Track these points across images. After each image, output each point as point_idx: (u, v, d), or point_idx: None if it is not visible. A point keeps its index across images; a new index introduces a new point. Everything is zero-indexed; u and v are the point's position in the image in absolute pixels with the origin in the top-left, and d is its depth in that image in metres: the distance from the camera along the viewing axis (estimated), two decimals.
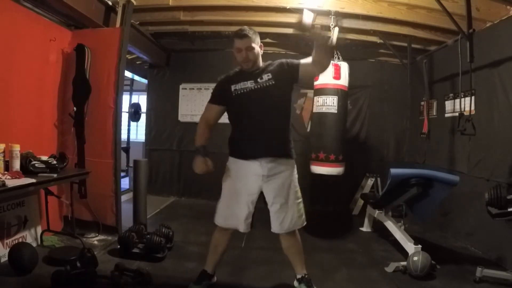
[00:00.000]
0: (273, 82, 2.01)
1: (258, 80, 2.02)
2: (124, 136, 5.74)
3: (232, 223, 2.10)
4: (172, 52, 5.11)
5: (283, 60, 2.09)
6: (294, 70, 2.02)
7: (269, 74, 2.03)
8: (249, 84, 2.03)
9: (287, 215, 2.04)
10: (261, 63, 2.10)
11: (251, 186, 2.05)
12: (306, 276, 2.18)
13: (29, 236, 2.73)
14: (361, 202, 4.37)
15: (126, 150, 5.87)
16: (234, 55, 2.05)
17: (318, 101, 3.41)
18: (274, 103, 2.03)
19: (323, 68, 2.02)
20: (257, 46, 2.03)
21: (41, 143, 2.93)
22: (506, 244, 2.80)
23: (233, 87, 2.05)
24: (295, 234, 2.14)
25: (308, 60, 1.98)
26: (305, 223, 2.14)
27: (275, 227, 2.07)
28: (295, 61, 2.05)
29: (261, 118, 2.01)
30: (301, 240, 2.19)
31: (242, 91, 2.03)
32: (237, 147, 2.13)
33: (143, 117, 5.84)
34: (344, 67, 3.36)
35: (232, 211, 2.09)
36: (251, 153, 2.04)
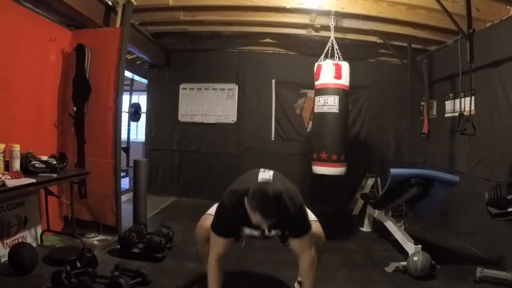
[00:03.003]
0: (279, 235, 1.93)
1: (266, 233, 1.85)
2: (124, 136, 5.73)
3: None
4: (172, 52, 5.11)
5: (296, 212, 1.78)
6: (291, 233, 1.86)
7: (278, 230, 1.87)
8: (256, 233, 1.88)
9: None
10: None
11: None
12: None
13: (29, 236, 2.73)
14: (361, 202, 4.37)
15: (126, 150, 5.86)
16: (246, 206, 1.67)
17: (319, 101, 3.40)
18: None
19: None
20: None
21: (41, 143, 2.92)
22: (506, 244, 2.80)
23: (242, 228, 1.88)
24: (311, 249, 1.89)
25: (305, 247, 1.83)
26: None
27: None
28: (299, 228, 1.83)
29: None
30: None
31: (248, 233, 1.90)
32: None
33: (143, 117, 5.84)
34: (345, 66, 3.35)
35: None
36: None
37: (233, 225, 1.86)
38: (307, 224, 1.85)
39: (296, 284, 2.22)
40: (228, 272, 2.47)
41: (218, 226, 1.86)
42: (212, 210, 2.09)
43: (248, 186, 1.71)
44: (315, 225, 2.00)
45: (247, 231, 1.87)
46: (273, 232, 1.88)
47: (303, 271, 1.89)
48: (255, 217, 1.64)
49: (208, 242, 1.96)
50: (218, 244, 1.85)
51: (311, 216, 2.03)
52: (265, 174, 1.87)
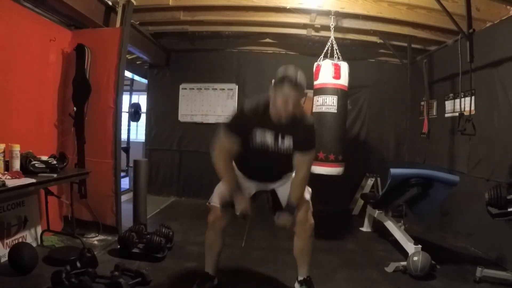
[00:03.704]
0: (290, 150, 1.96)
1: (279, 139, 1.93)
2: (124, 136, 5.73)
3: (228, 201, 2.00)
4: (172, 52, 5.11)
5: (308, 127, 1.95)
6: (296, 145, 1.95)
7: (291, 137, 1.93)
8: (269, 138, 1.93)
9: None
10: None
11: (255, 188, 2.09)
12: (308, 278, 2.16)
13: (29, 236, 2.73)
14: (361, 202, 4.37)
15: (126, 150, 5.87)
16: (271, 94, 1.81)
17: (318, 100, 3.40)
18: (285, 157, 1.98)
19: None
20: (302, 100, 1.85)
21: (41, 143, 2.92)
22: (506, 244, 2.80)
23: (254, 130, 1.91)
24: (311, 236, 2.11)
25: (304, 163, 1.98)
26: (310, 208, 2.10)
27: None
28: (305, 144, 1.95)
29: (271, 163, 2.01)
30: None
31: (260, 139, 1.93)
32: (243, 168, 2.13)
33: (143, 117, 5.84)
34: (344, 66, 3.35)
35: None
36: (256, 179, 2.11)
37: (247, 125, 1.90)
38: (314, 143, 2.00)
39: (296, 284, 2.21)
40: (228, 272, 2.48)
41: (230, 126, 1.91)
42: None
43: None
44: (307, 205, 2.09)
45: (260, 133, 1.91)
46: (286, 141, 1.93)
47: (295, 183, 2.00)
48: (281, 91, 1.75)
49: (221, 232, 2.09)
50: (225, 140, 1.91)
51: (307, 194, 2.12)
52: None
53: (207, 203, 2.15)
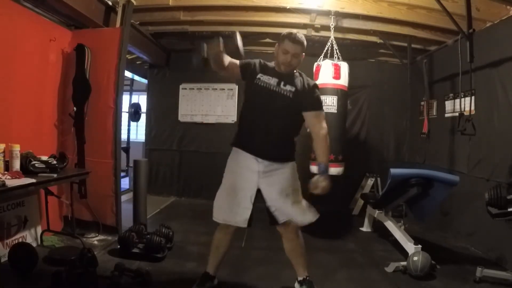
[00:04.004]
0: (291, 96, 2.01)
1: (281, 85, 2.03)
2: (124, 136, 5.73)
3: (231, 218, 2.05)
4: (172, 52, 5.11)
5: (311, 86, 2.07)
6: (305, 105, 2.04)
7: (293, 87, 2.02)
8: (272, 81, 2.04)
9: (285, 211, 2.03)
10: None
11: (249, 181, 2.03)
12: (307, 278, 2.16)
13: (29, 236, 2.73)
14: (361, 202, 4.37)
15: (126, 150, 5.87)
16: (276, 50, 2.07)
17: None
18: (285, 112, 2.02)
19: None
20: (302, 56, 2.03)
21: (41, 143, 2.92)
22: (506, 244, 2.80)
23: (259, 75, 2.09)
24: (298, 236, 2.13)
25: (316, 122, 2.04)
26: (312, 219, 2.08)
27: (275, 219, 2.04)
28: (313, 103, 2.05)
29: (270, 120, 2.01)
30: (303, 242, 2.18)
31: (263, 84, 2.05)
32: (240, 137, 2.11)
33: (143, 117, 5.84)
34: (344, 67, 3.35)
35: (231, 206, 2.04)
36: (251, 148, 2.04)
37: (252, 70, 2.12)
38: (321, 103, 2.10)
39: (296, 284, 2.22)
40: (228, 272, 2.48)
41: (242, 57, 2.10)
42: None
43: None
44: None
45: (265, 78, 2.05)
46: (288, 87, 2.01)
47: (318, 144, 2.04)
48: (283, 46, 1.98)
49: (230, 235, 2.13)
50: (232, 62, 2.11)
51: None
52: None
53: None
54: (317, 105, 2.06)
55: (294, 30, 2.02)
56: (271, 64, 2.13)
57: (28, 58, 2.78)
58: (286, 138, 2.08)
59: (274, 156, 2.02)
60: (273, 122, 2.00)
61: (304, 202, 2.11)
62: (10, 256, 2.28)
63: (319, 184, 1.95)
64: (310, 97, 2.03)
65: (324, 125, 2.05)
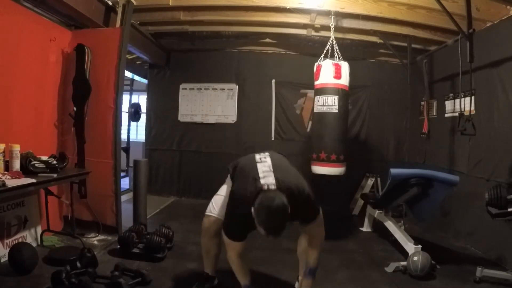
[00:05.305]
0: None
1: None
2: (124, 136, 5.73)
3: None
4: (172, 52, 5.11)
5: (306, 205, 1.84)
6: (303, 219, 1.89)
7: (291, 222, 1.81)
8: None
9: None
10: None
11: None
12: None
13: (29, 236, 2.73)
14: (361, 202, 4.37)
15: (126, 150, 5.86)
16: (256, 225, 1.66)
17: (318, 100, 3.40)
18: None
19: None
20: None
21: (41, 143, 2.92)
22: (506, 244, 2.80)
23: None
24: (321, 244, 1.99)
25: (309, 229, 1.92)
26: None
27: None
28: (309, 217, 1.88)
29: None
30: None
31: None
32: None
33: (143, 117, 5.84)
34: (345, 66, 3.35)
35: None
36: None
37: (246, 229, 1.84)
38: (315, 208, 1.89)
39: (296, 284, 2.22)
40: (228, 272, 2.47)
41: (232, 233, 1.85)
42: (210, 210, 2.10)
43: (252, 189, 1.70)
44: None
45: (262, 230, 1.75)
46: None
47: (312, 248, 1.94)
48: (262, 231, 1.63)
49: (215, 237, 2.04)
50: (235, 246, 1.87)
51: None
52: (264, 166, 1.84)
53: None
54: (313, 215, 1.88)
55: (272, 211, 1.59)
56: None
57: (28, 58, 2.78)
58: None
59: None
60: None
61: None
62: (10, 256, 2.28)
63: None
64: (304, 214, 1.84)
65: (322, 230, 1.95)
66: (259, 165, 1.84)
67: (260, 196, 1.64)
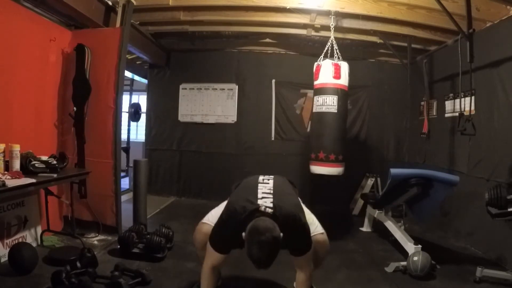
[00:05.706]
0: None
1: None
2: (124, 136, 5.73)
3: None
4: (172, 52, 5.11)
5: (295, 244, 1.81)
6: (294, 250, 1.84)
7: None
8: None
9: None
10: None
11: None
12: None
13: (29, 236, 2.73)
14: (361, 202, 4.37)
15: (126, 150, 5.86)
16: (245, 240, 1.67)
17: (318, 100, 3.40)
18: None
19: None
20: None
21: (41, 143, 2.92)
22: (506, 244, 2.80)
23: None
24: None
25: (300, 263, 1.86)
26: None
27: None
28: (301, 250, 1.82)
29: None
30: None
31: None
32: None
33: (143, 117, 5.84)
34: (344, 66, 3.35)
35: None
36: None
37: (232, 244, 1.83)
38: (308, 244, 1.83)
39: (295, 284, 2.21)
40: (227, 273, 2.47)
41: (217, 243, 1.83)
42: (209, 218, 2.06)
43: (248, 205, 1.70)
44: (322, 238, 2.00)
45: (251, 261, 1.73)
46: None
47: (300, 284, 1.90)
48: (251, 261, 1.62)
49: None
50: (214, 257, 1.84)
51: (319, 228, 2.02)
52: (265, 188, 1.82)
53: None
54: (304, 250, 1.83)
55: (263, 244, 1.57)
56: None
57: (28, 58, 2.78)
58: None
59: None
60: None
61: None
62: (10, 256, 2.28)
63: None
64: (296, 246, 1.81)
65: (312, 264, 1.91)
66: (260, 186, 1.84)
67: (253, 221, 1.63)
